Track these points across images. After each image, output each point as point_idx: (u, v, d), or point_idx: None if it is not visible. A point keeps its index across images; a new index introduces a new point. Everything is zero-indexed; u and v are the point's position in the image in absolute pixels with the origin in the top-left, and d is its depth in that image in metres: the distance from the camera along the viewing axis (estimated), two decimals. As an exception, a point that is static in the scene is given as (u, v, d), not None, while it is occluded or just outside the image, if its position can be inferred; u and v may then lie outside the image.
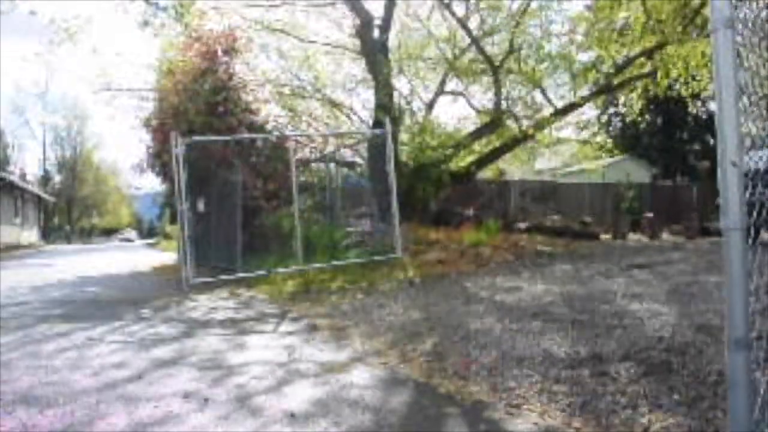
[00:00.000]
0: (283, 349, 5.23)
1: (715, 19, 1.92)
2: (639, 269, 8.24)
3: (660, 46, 14.32)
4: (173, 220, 26.91)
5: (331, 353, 4.94)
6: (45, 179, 64.75)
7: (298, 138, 14.70)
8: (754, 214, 2.17)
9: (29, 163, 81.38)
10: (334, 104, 17.71)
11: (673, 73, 15.06)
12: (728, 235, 1.96)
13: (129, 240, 60.34)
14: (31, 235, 41.24)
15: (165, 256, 22.30)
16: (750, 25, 2.18)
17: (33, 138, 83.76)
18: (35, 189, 48.50)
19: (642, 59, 15.04)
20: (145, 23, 14.42)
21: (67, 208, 68.06)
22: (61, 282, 13.20)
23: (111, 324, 7.12)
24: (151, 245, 41.05)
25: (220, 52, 14.41)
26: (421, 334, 5.25)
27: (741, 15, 2.10)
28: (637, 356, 3.99)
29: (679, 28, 13.51)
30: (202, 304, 8.48)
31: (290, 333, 6.05)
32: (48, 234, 54.22)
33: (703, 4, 13.02)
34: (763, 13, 2.50)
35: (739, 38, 2.08)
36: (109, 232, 71.67)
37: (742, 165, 1.95)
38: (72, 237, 63.30)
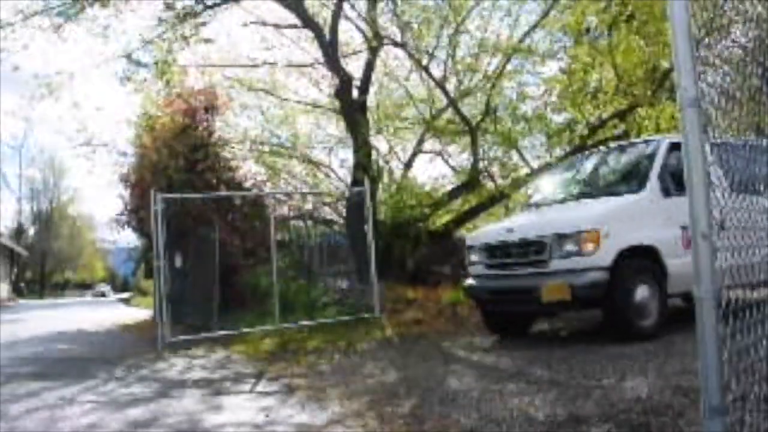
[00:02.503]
0: (260, 410, 5.17)
1: (682, 99, 2.02)
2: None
3: (631, 108, 14.69)
4: (148, 276, 26.65)
5: (309, 415, 4.88)
6: (18, 232, 63.91)
7: (277, 195, 14.76)
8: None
9: (3, 216, 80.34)
10: (313, 162, 17.85)
11: (645, 134, 15.38)
12: (700, 304, 2.02)
13: (103, 295, 59.40)
14: (1, 289, 40.48)
15: (139, 312, 22.01)
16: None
17: (8, 190, 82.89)
18: (8, 242, 47.81)
19: (615, 121, 15.39)
20: (127, 79, 14.54)
21: (41, 261, 67.08)
22: (32, 338, 12.98)
23: (84, 383, 7.01)
24: (125, 301, 40.49)
25: (200, 110, 14.55)
26: (400, 396, 5.22)
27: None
28: (615, 418, 3.99)
29: (649, 92, 13.90)
30: (177, 363, 8.37)
31: (267, 394, 5.99)
32: (20, 288, 53.30)
33: (670, 70, 13.43)
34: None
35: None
36: (82, 287, 70.57)
37: (712, 237, 2.02)
38: (44, 291, 62.29)
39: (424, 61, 14.93)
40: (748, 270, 7.28)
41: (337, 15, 13.77)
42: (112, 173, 16.36)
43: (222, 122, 15.34)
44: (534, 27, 15.09)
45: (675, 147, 7.52)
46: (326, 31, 13.83)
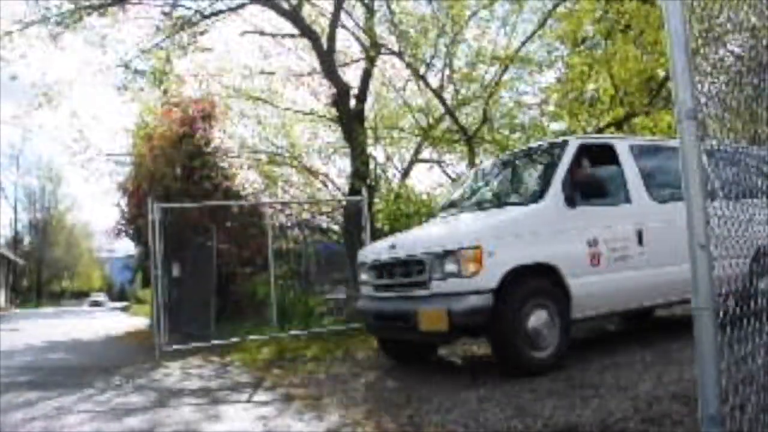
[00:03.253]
0: (257, 419, 5.17)
1: (679, 111, 2.04)
2: (611, 334, 8.30)
3: (628, 117, 14.74)
4: (146, 285, 26.62)
5: (307, 424, 4.88)
6: (15, 241, 63.83)
7: (274, 204, 14.77)
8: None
9: (0, 224, 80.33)
10: (310, 171, 17.86)
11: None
12: (698, 314, 2.03)
13: (99, 304, 59.19)
14: (-2, 298, 40.40)
15: (136, 321, 21.98)
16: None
17: (4, 198, 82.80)
18: (5, 251, 47.74)
19: (612, 129, 15.44)
20: (124, 88, 14.56)
21: (37, 270, 66.97)
22: (28, 347, 12.95)
23: (81, 392, 6.99)
24: (122, 309, 40.42)
25: (197, 119, 14.58)
26: (397, 404, 5.22)
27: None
28: (613, 427, 4.00)
29: (646, 101, 13.96)
30: (174, 372, 8.36)
31: (265, 403, 5.98)
32: (16, 297, 53.17)
33: (667, 78, 13.50)
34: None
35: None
36: (79, 296, 70.36)
37: (710, 247, 2.04)
38: (41, 300, 62.17)
39: (422, 71, 14.97)
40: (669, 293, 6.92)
41: (334, 24, 13.81)
42: (110, 182, 16.42)
43: (219, 131, 15.36)
44: (531, 36, 15.13)
45: (586, 150, 6.86)
46: (324, 40, 13.86)
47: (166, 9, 13.43)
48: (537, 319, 5.96)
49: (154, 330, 10.47)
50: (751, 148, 3.09)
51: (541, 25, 14.81)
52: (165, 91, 14.77)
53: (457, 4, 14.03)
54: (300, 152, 17.67)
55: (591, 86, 15.36)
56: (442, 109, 15.81)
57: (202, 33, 14.13)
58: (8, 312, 38.15)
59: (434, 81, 15.47)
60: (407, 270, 6.46)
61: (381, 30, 14.68)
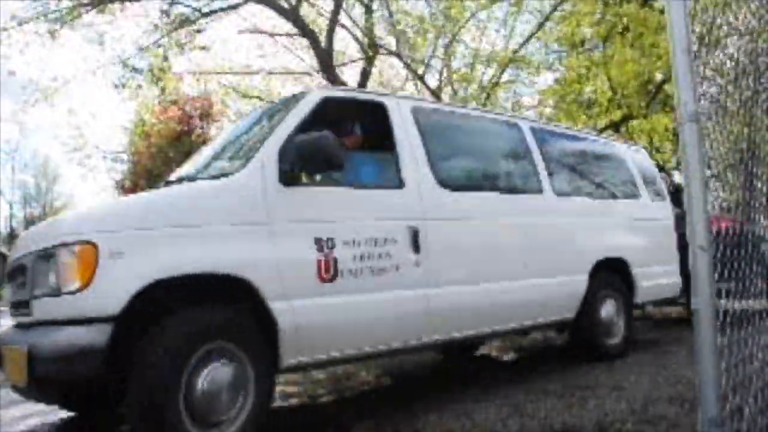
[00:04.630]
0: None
1: (681, 114, 2.05)
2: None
3: (625, 119, 14.80)
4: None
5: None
6: (10, 237, 63.71)
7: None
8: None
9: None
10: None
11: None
12: (698, 315, 2.04)
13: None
14: (-8, 295, 40.26)
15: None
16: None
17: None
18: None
19: (609, 132, 15.49)
20: (122, 85, 14.56)
21: (32, 267, 66.83)
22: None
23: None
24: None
25: (195, 117, 14.59)
26: (395, 403, 5.22)
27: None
28: (610, 428, 4.01)
29: (643, 103, 14.02)
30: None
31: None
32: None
33: (664, 81, 13.56)
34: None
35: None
36: (73, 293, 70.30)
37: (710, 249, 2.04)
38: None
39: (420, 71, 15.01)
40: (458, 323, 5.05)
41: (333, 24, 13.82)
42: (107, 179, 16.46)
43: (217, 129, 15.37)
44: (529, 38, 15.22)
45: (334, 104, 4.60)
46: (322, 39, 13.88)
47: (165, 7, 13.46)
48: (213, 373, 3.50)
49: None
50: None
51: (540, 27, 14.89)
52: (163, 89, 14.79)
53: (456, 5, 14.08)
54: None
55: (589, 88, 15.43)
56: (439, 110, 15.84)
57: (200, 31, 14.17)
58: (1, 308, 38.07)
59: (432, 81, 15.56)
60: (17, 280, 4.01)
61: (379, 30, 14.73)
